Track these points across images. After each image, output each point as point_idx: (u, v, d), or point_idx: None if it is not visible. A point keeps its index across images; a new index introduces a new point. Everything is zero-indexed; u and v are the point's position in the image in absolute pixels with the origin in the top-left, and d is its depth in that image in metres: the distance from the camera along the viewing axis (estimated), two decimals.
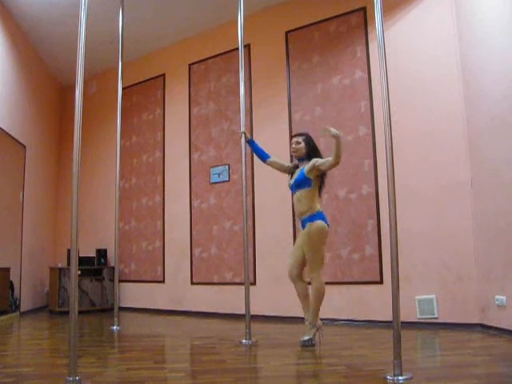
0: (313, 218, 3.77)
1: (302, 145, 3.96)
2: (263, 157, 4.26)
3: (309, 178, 3.82)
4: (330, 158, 3.68)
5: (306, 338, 3.76)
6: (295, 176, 3.96)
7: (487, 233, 4.21)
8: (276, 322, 5.26)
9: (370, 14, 5.10)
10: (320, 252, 3.78)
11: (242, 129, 4.40)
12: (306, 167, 3.85)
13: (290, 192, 5.47)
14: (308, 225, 3.77)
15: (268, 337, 4.32)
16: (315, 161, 3.81)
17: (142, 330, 5.13)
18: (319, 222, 3.75)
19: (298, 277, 3.92)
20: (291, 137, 4.05)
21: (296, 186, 3.91)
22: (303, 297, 3.91)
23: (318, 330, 3.82)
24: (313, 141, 4.03)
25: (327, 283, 5.15)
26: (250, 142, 4.35)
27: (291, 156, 4.10)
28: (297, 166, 4.06)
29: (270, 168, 5.81)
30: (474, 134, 4.42)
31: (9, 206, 6.14)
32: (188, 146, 6.57)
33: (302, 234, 3.87)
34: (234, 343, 3.99)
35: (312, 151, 3.96)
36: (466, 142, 4.55)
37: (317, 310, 3.81)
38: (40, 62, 7.29)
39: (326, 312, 5.09)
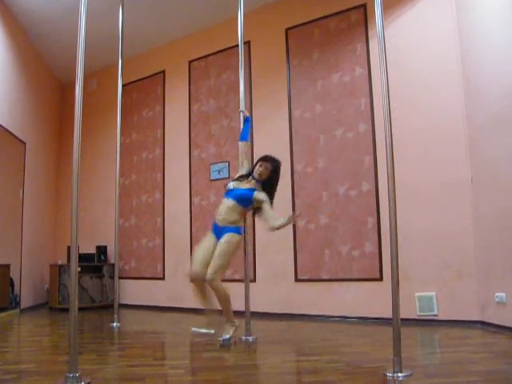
0: (236, 230, 3.78)
1: (267, 173, 3.84)
2: (240, 137, 4.19)
3: (252, 202, 3.78)
4: (270, 221, 3.63)
5: (227, 336, 3.73)
6: (241, 187, 3.83)
7: (487, 230, 4.21)
8: (276, 318, 5.26)
9: (370, 10, 5.09)
10: (229, 259, 3.76)
11: (242, 108, 4.33)
12: (257, 194, 3.75)
13: (290, 189, 5.51)
14: (229, 235, 3.72)
15: (268, 333, 4.33)
16: (264, 200, 3.70)
17: (141, 327, 5.13)
18: (240, 237, 3.81)
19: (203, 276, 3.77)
20: (263, 159, 3.89)
21: (235, 197, 3.80)
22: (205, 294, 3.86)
23: (235, 327, 3.81)
24: (278, 173, 3.91)
25: (327, 280, 5.19)
26: (246, 120, 4.22)
27: (258, 168, 3.90)
28: (247, 176, 3.93)
29: None
30: (475, 131, 4.41)
31: (9, 203, 6.14)
32: (188, 143, 6.56)
33: (218, 242, 3.78)
34: (233, 340, 3.99)
35: (270, 182, 3.86)
36: (466, 139, 4.55)
37: (230, 310, 3.81)
38: (40, 59, 7.28)
39: (325, 309, 5.13)
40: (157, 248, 6.74)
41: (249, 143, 4.14)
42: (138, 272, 6.91)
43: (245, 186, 3.86)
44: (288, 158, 5.59)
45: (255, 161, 4.05)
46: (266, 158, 3.89)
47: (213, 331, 3.79)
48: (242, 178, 3.95)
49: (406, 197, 4.62)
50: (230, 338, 3.73)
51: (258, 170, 3.85)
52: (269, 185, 3.87)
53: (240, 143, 4.18)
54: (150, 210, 6.91)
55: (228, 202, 3.82)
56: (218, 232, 3.81)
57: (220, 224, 3.81)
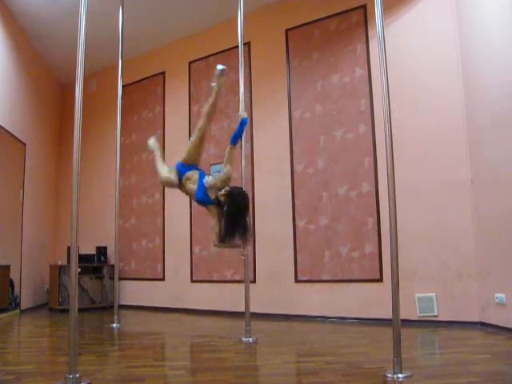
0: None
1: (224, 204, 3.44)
2: (230, 140, 3.80)
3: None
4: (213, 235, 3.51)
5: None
6: (209, 194, 3.48)
7: (487, 231, 4.21)
8: (276, 319, 5.26)
9: (371, 11, 5.09)
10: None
11: (241, 112, 4.18)
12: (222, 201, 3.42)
13: (290, 190, 5.51)
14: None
15: (268, 334, 4.32)
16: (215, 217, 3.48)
17: (141, 328, 5.13)
18: None
19: None
20: (230, 196, 3.38)
21: (199, 197, 3.51)
22: None
23: None
24: (229, 211, 3.39)
25: (327, 281, 5.19)
26: (241, 122, 3.92)
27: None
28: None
29: (269, 166, 5.82)
30: (474, 132, 4.41)
31: (9, 204, 6.14)
32: None
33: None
34: (233, 341, 4.00)
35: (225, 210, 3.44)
36: (466, 140, 4.55)
37: None
38: (40, 60, 7.28)
39: (325, 310, 5.13)
40: (157, 249, 6.74)
41: (235, 148, 3.76)
42: (137, 273, 6.91)
43: (212, 195, 3.51)
44: (288, 159, 5.59)
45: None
46: (231, 199, 3.42)
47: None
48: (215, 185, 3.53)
49: (406, 198, 4.62)
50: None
51: (221, 197, 3.45)
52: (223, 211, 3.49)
53: (229, 146, 3.77)
54: (150, 210, 6.91)
55: (192, 189, 3.53)
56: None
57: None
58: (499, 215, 3.98)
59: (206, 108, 3.72)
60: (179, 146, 6.60)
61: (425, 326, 4.47)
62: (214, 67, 3.73)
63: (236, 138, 3.86)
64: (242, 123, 3.97)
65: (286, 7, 5.89)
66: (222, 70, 3.71)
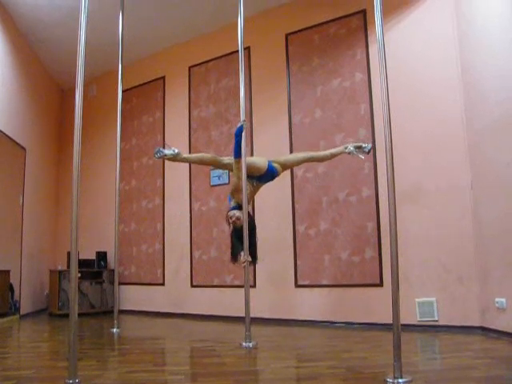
0: None
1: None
2: (235, 154, 4.07)
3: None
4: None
5: None
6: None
7: (487, 235, 4.21)
8: (276, 324, 5.25)
9: (370, 16, 5.11)
10: None
11: (242, 117, 4.27)
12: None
13: (290, 194, 5.52)
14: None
15: (268, 339, 4.32)
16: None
17: (141, 333, 5.12)
18: None
19: None
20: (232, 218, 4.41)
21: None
22: None
23: None
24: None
25: (327, 285, 5.18)
26: (237, 131, 4.09)
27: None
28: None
29: None
30: (474, 137, 4.42)
31: (9, 209, 6.14)
32: (188, 149, 6.56)
33: None
34: (234, 346, 3.99)
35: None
36: (466, 145, 4.55)
37: None
38: (40, 65, 7.30)
39: (326, 314, 5.12)
40: (157, 253, 6.73)
41: (239, 159, 4.01)
42: (137, 278, 6.90)
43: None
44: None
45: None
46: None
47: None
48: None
49: (406, 202, 4.62)
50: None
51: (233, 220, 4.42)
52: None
53: (236, 159, 4.04)
54: (149, 215, 6.91)
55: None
56: None
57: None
58: (499, 219, 3.98)
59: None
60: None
61: (425, 331, 4.46)
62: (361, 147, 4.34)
63: (235, 151, 3.94)
64: (235, 134, 4.00)
65: (285, 12, 5.91)
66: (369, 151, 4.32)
